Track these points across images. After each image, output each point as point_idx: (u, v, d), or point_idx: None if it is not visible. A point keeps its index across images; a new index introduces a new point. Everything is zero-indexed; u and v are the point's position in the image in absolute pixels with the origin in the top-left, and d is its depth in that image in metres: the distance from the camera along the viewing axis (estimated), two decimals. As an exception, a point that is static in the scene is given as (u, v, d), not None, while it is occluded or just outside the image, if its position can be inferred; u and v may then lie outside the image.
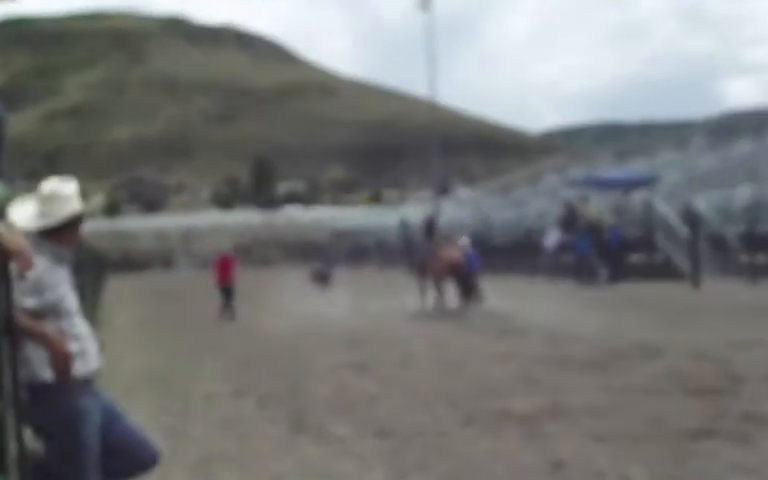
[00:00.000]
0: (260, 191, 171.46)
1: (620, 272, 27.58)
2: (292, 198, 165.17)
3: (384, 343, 14.89)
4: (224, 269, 23.06)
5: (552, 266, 30.90)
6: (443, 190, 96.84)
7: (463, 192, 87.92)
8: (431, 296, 20.75)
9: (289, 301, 25.00)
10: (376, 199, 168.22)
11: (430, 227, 22.56)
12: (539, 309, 19.35)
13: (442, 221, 44.64)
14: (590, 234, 28.99)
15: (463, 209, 57.55)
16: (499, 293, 22.92)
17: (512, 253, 34.88)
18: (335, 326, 18.05)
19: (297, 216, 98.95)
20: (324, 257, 36.94)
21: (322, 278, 28.45)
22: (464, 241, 22.50)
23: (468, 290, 20.56)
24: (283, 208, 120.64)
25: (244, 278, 25.05)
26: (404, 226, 45.96)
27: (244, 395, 10.42)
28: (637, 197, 32.44)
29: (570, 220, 31.21)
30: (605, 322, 16.13)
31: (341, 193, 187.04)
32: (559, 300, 22.19)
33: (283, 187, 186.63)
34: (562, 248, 31.21)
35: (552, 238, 31.82)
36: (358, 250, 59.42)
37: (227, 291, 22.71)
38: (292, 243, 77.01)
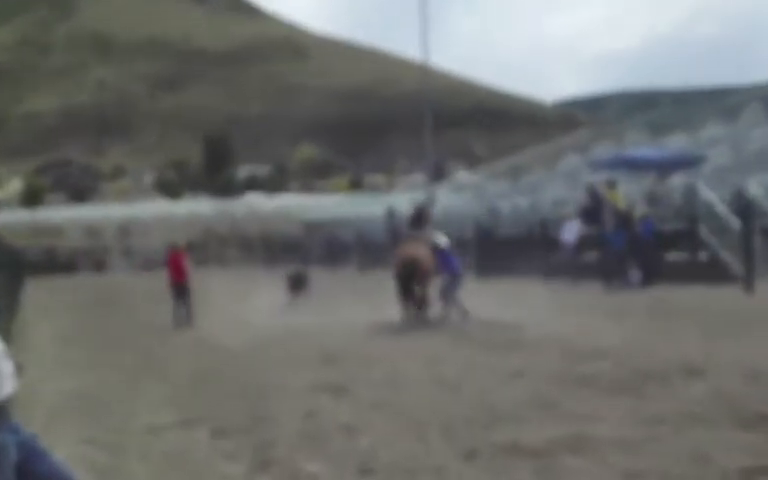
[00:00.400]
0: (215, 175, 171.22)
1: (655, 273, 27.63)
2: (254, 184, 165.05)
3: (366, 360, 14.88)
4: (177, 267, 23.55)
5: (572, 265, 30.94)
6: (439, 173, 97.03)
7: (463, 176, 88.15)
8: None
9: (251, 308, 24.94)
10: (356, 185, 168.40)
11: (419, 218, 22.36)
12: (556, 317, 19.36)
13: (437, 211, 44.68)
14: (624, 228, 28.96)
15: (463, 196, 57.62)
16: (507, 297, 22.93)
17: (523, 249, 34.89)
18: (307, 339, 18.03)
19: (260, 206, 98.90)
20: (298, 256, 36.86)
21: (297, 283, 28.36)
22: (439, 237, 21.84)
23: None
24: (243, 196, 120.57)
25: (196, 280, 25.01)
26: (391, 217, 46.02)
27: (195, 425, 10.39)
28: (676, 181, 32.53)
29: (594, 210, 31.23)
30: (637, 334, 16.15)
31: (314, 177, 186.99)
32: (580, 307, 22.22)
33: (243, 170, 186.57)
34: (584, 243, 31.26)
35: (572, 231, 31.88)
36: (334, 247, 59.38)
37: (181, 290, 23.14)
38: (254, 239, 76.99)
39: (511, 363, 13.59)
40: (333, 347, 16.59)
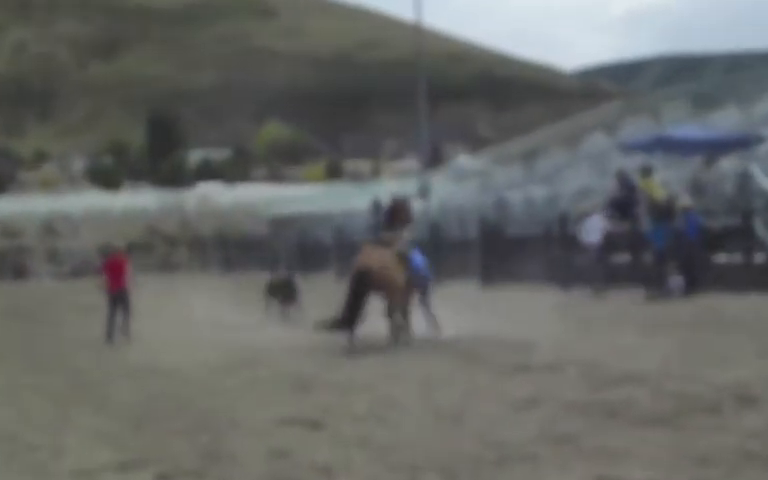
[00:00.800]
0: (160, 161, 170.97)
1: (701, 278, 27.64)
2: (208, 171, 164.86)
3: (346, 386, 14.89)
4: (115, 272, 23.66)
5: (597, 270, 30.95)
6: (435, 158, 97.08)
7: (465, 161, 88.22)
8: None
9: (205, 323, 24.97)
10: (335, 172, 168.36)
11: (393, 215, 22.28)
12: (578, 333, 19.40)
13: (433, 204, 44.69)
14: (665, 223, 28.89)
15: (465, 186, 57.69)
16: (518, 309, 22.97)
17: (538, 251, 34.95)
18: (274, 361, 18.03)
19: (216, 198, 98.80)
20: (267, 259, 36.88)
21: (283, 292, 28.44)
22: (406, 237, 21.67)
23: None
24: (195, 186, 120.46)
25: (137, 289, 25.03)
26: (377, 212, 45.98)
27: (137, 466, 10.38)
28: (726, 166, 32.56)
29: (625, 202, 31.25)
30: (677, 353, 16.18)
31: (282, 163, 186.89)
32: (608, 320, 22.25)
33: (195, 155, 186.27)
34: (612, 243, 31.25)
35: (595, 229, 31.83)
36: (308, 248, 59.43)
37: (119, 299, 23.28)
38: (209, 238, 77.04)
39: (523, 389, 13.61)
40: (306, 371, 16.60)
